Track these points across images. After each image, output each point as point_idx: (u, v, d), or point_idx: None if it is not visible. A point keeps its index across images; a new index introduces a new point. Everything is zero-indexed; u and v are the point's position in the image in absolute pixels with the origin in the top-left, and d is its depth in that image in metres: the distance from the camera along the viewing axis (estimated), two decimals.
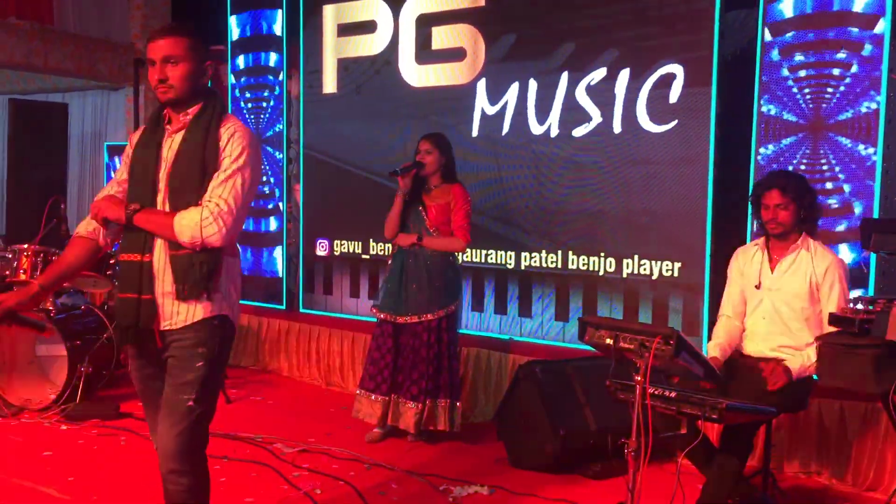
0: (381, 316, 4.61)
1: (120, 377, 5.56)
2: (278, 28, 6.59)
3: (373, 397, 4.57)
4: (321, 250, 6.41)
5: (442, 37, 5.71)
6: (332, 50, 6.29)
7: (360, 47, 6.13)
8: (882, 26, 4.15)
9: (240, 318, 2.72)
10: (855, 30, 4.23)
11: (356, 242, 6.17)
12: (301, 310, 6.53)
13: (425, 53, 5.79)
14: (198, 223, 2.40)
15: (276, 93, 6.62)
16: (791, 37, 4.41)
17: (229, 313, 2.56)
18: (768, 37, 4.47)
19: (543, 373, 4.33)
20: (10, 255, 5.13)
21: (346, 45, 6.21)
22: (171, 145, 2.53)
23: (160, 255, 2.47)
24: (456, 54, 5.64)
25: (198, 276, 2.43)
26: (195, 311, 2.47)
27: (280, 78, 6.58)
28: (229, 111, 2.70)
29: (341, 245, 6.27)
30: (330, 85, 6.32)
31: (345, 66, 6.24)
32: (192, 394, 2.46)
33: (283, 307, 6.63)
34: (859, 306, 2.23)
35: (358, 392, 4.67)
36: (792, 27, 4.40)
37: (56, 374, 5.17)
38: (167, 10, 8.39)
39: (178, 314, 2.48)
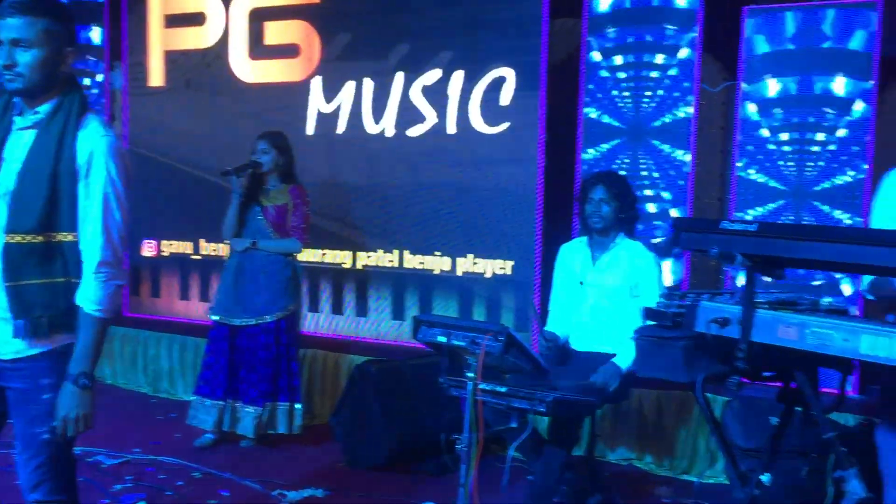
0: (217, 319, 4.47)
1: None
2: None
3: (208, 402, 4.42)
4: (148, 251, 6.11)
5: (275, 32, 5.59)
6: (159, 41, 6.01)
7: (188, 40, 5.90)
8: (696, 33, 4.43)
9: None
10: (672, 30, 4.49)
11: (186, 243, 5.94)
12: (126, 313, 6.19)
13: (258, 49, 5.65)
14: (106, 296, 2.17)
15: (99, 81, 6.25)
16: (612, 37, 4.62)
17: (73, 341, 2.23)
18: (592, 43, 4.68)
19: (379, 372, 4.33)
20: None
21: (174, 36, 5.96)
22: (16, 145, 2.19)
23: None
24: (290, 51, 5.54)
25: (39, 316, 2.16)
26: (35, 344, 2.19)
27: (100, 69, 6.22)
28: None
29: (170, 245, 6.01)
30: (156, 78, 6.04)
31: (172, 58, 5.98)
32: (46, 426, 2.20)
33: None
34: (672, 301, 2.36)
35: (193, 398, 4.50)
36: (612, 23, 4.61)
37: None
38: None
39: (10, 343, 2.19)
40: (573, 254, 3.82)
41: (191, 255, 5.93)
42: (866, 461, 2.69)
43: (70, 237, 2.19)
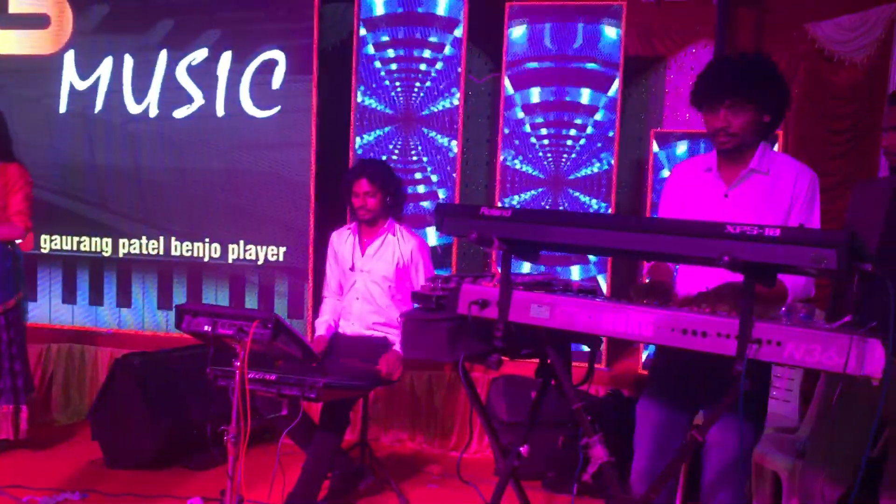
0: None
1: None
2: None
3: None
4: None
5: (21, 0, 5.11)
6: None
7: None
8: (460, 31, 4.59)
9: None
10: (436, 33, 4.63)
11: None
12: None
13: (2, 18, 5.14)
14: None
15: None
16: (384, 33, 4.68)
17: None
18: (363, 31, 4.70)
19: (143, 365, 4.12)
20: None
21: None
22: None
23: None
24: (39, 21, 5.09)
25: None
26: None
27: None
28: None
29: None
30: None
31: None
32: None
33: None
34: (436, 284, 2.44)
35: None
36: (384, 24, 4.69)
37: None
38: None
39: None
40: (343, 240, 3.84)
41: None
42: (613, 429, 2.94)
43: None
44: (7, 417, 4.05)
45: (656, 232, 2.07)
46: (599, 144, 4.50)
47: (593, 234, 2.16)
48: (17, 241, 4.18)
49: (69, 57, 5.06)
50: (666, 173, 4.34)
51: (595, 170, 4.52)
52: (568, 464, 3.78)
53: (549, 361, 2.45)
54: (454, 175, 4.65)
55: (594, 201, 4.51)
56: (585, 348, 2.52)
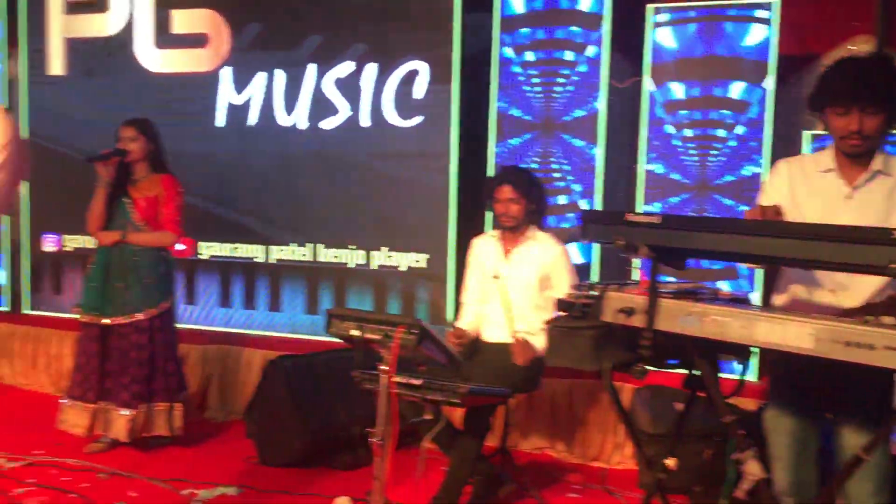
0: (85, 318, 4.27)
1: None
2: None
3: (80, 406, 4.24)
4: (49, 246, 5.88)
5: (183, 21, 5.45)
6: (59, 28, 5.78)
7: (91, 27, 5.69)
8: (603, 29, 4.53)
9: None
10: (579, 30, 4.58)
11: (90, 237, 5.72)
12: (27, 311, 5.96)
13: (165, 38, 5.50)
14: None
15: None
16: (524, 34, 4.68)
17: None
18: (502, 37, 4.73)
19: (293, 367, 4.29)
20: None
21: (75, 23, 5.74)
22: None
23: None
24: (198, 40, 5.41)
25: None
26: None
27: None
28: None
29: (73, 240, 5.80)
30: (56, 66, 5.81)
31: (74, 46, 5.76)
32: None
33: (7, 308, 6.02)
34: (580, 292, 2.42)
35: (64, 401, 4.31)
36: (524, 23, 4.67)
37: None
38: None
39: None
40: (485, 247, 3.87)
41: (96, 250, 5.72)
42: (765, 444, 2.82)
43: None
44: (162, 415, 4.30)
45: (816, 238, 1.97)
46: (752, 144, 4.32)
47: (747, 241, 2.08)
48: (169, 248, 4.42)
49: (226, 73, 5.34)
50: None
51: (744, 174, 4.35)
52: (715, 478, 3.65)
53: (697, 372, 2.38)
54: (596, 182, 4.59)
55: (743, 207, 4.34)
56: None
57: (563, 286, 3.64)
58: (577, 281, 3.73)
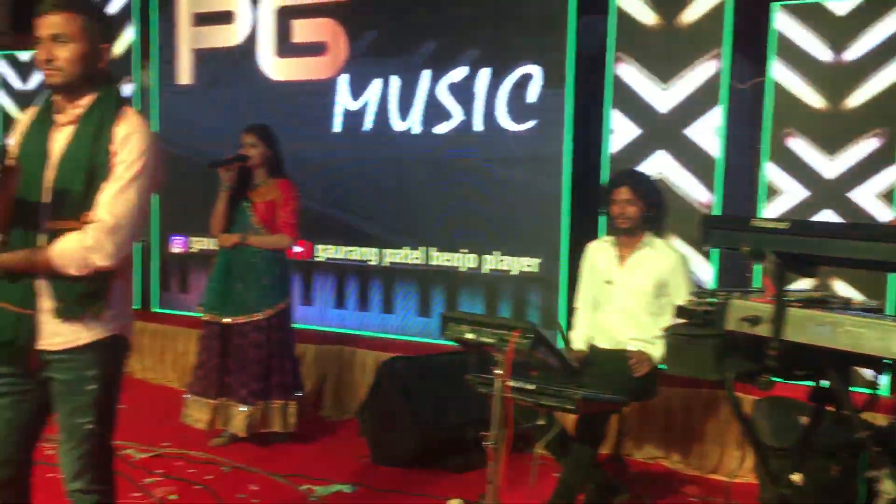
0: (207, 317, 4.46)
1: None
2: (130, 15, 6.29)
3: (202, 401, 4.42)
4: (177, 247, 6.17)
5: (303, 30, 5.62)
6: (188, 40, 6.06)
7: (217, 38, 5.95)
8: (724, 32, 4.40)
9: (132, 331, 2.44)
10: (698, 30, 4.47)
11: (215, 239, 5.97)
12: (156, 309, 6.27)
13: (286, 46, 5.69)
14: (81, 251, 2.15)
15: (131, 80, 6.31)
16: (640, 37, 4.60)
17: (121, 332, 2.32)
18: (619, 39, 4.65)
19: (405, 369, 4.35)
20: None
21: (203, 35, 6.01)
22: (59, 140, 2.24)
23: None
24: (317, 48, 5.57)
25: (77, 297, 2.19)
26: (80, 334, 2.23)
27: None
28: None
29: (199, 242, 6.06)
30: (185, 76, 6.10)
31: (201, 56, 6.03)
32: (90, 416, 2.27)
33: (137, 307, 6.35)
34: (702, 298, 2.35)
35: (187, 396, 4.51)
36: (641, 32, 4.60)
37: None
38: None
39: (59, 335, 2.23)
40: (600, 252, 3.82)
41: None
42: None
43: None
44: (277, 412, 4.43)
45: None
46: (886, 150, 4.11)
47: (887, 248, 1.98)
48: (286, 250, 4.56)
49: (343, 80, 5.48)
50: None
51: (879, 179, 4.13)
52: (844, 496, 3.48)
53: (826, 384, 2.28)
54: (715, 186, 4.46)
55: (885, 213, 4.11)
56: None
57: (680, 294, 3.56)
58: (694, 288, 3.64)
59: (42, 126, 2.29)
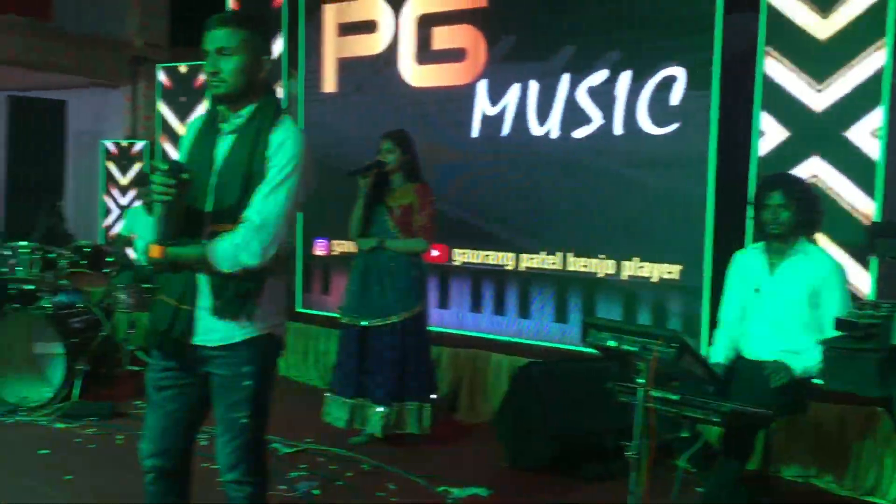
0: (345, 320, 4.57)
1: (116, 376, 5.54)
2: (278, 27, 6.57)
3: (340, 400, 4.54)
4: (319, 250, 6.39)
5: (442, 37, 5.71)
6: (333, 49, 6.27)
7: (360, 47, 6.12)
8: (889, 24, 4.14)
9: (284, 331, 2.55)
10: (856, 26, 4.22)
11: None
12: (299, 309, 6.51)
13: (426, 53, 5.78)
14: (231, 248, 2.26)
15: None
16: (791, 35, 4.39)
17: (273, 331, 2.44)
18: (770, 37, 4.46)
19: (542, 374, 4.32)
20: (9, 253, 5.10)
21: (347, 44, 6.20)
22: (222, 148, 2.38)
23: None
24: (456, 55, 5.63)
25: (233, 296, 2.31)
26: (234, 331, 2.35)
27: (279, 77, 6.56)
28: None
29: (340, 245, 6.25)
30: (330, 84, 6.31)
31: (344, 65, 6.22)
32: (246, 411, 2.39)
33: None
34: (865, 311, 2.22)
35: (327, 395, 4.64)
36: (789, 28, 4.40)
37: (53, 373, 5.15)
38: (166, 8, 8.36)
39: (215, 331, 2.35)
40: (749, 260, 3.66)
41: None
42: None
43: None
44: (412, 414, 4.49)
45: None
46: None
47: None
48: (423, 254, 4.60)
49: (482, 85, 5.52)
50: None
51: None
52: None
53: None
54: (875, 193, 4.18)
55: None
56: None
57: (834, 305, 3.36)
58: (851, 300, 3.43)
59: (207, 135, 2.43)
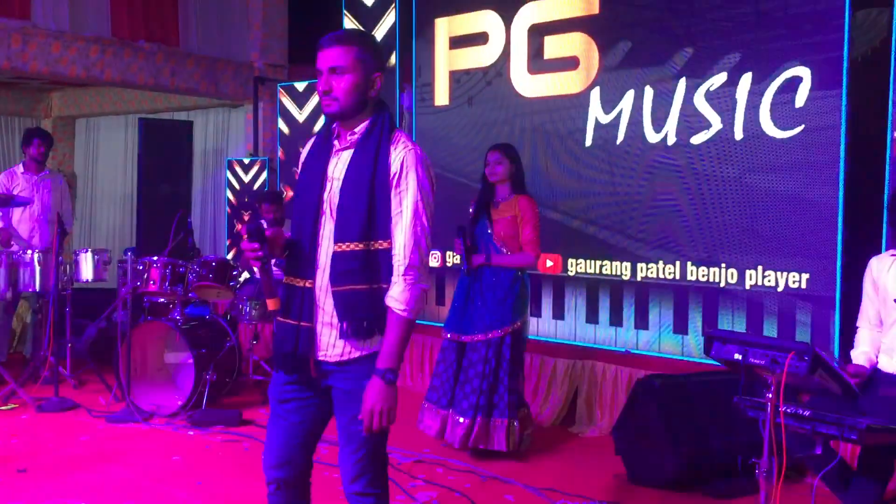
0: (448, 335, 4.60)
1: (242, 385, 5.74)
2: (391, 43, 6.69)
3: (434, 410, 4.57)
4: (433, 261, 6.44)
5: (554, 46, 5.67)
6: (445, 62, 6.34)
7: (471, 59, 6.16)
8: None
9: None
10: None
11: None
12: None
13: (537, 63, 5.76)
14: (406, 302, 2.33)
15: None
16: None
17: None
18: None
19: (663, 387, 4.21)
20: (141, 268, 5.38)
21: (458, 57, 6.25)
22: (337, 164, 2.43)
23: (322, 282, 2.40)
24: (569, 63, 5.59)
25: (361, 322, 2.35)
26: (353, 347, 2.39)
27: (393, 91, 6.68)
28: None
29: (453, 257, 6.28)
30: (442, 97, 6.37)
31: (456, 78, 6.27)
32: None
33: None
34: None
35: (424, 403, 4.68)
36: None
37: (183, 381, 5.39)
38: (284, 29, 8.65)
39: (335, 346, 2.40)
40: (885, 267, 3.47)
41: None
42: None
43: (385, 245, 2.38)
44: (499, 430, 4.43)
45: None
46: None
47: None
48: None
49: (595, 93, 5.45)
50: None
51: None
52: None
53: None
54: None
55: None
56: None
57: None
58: None
59: (321, 152, 2.48)
